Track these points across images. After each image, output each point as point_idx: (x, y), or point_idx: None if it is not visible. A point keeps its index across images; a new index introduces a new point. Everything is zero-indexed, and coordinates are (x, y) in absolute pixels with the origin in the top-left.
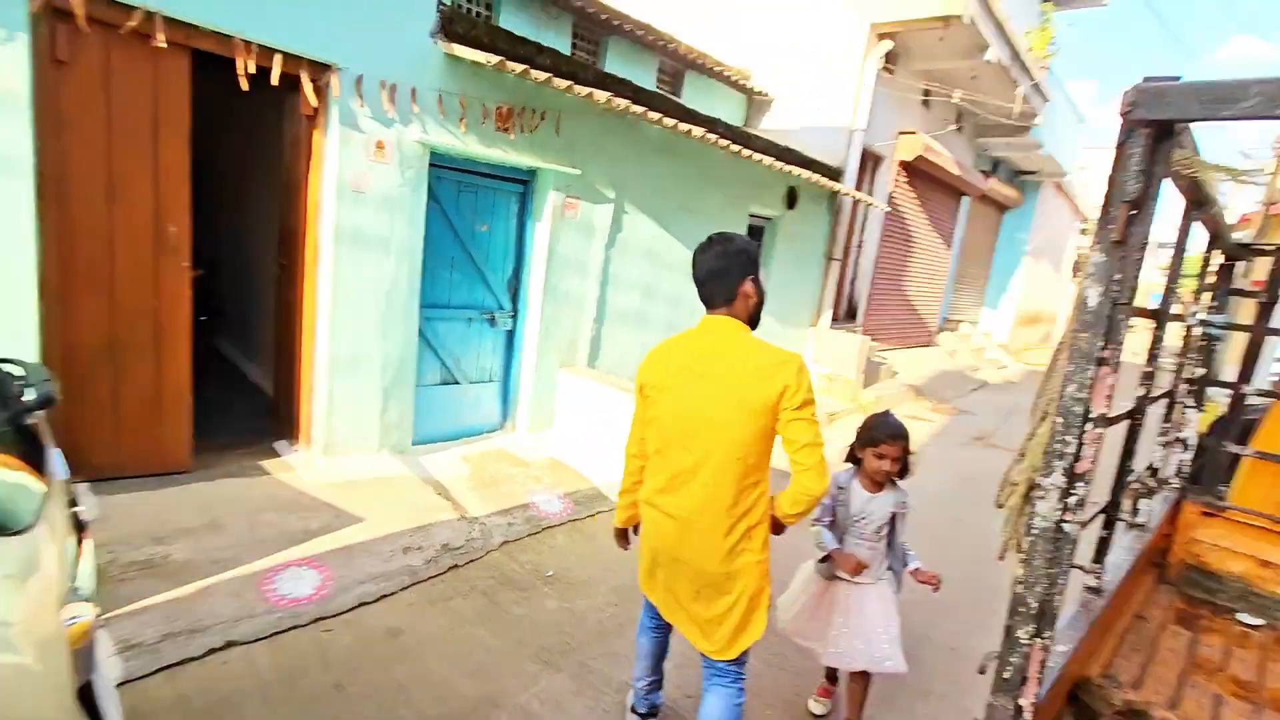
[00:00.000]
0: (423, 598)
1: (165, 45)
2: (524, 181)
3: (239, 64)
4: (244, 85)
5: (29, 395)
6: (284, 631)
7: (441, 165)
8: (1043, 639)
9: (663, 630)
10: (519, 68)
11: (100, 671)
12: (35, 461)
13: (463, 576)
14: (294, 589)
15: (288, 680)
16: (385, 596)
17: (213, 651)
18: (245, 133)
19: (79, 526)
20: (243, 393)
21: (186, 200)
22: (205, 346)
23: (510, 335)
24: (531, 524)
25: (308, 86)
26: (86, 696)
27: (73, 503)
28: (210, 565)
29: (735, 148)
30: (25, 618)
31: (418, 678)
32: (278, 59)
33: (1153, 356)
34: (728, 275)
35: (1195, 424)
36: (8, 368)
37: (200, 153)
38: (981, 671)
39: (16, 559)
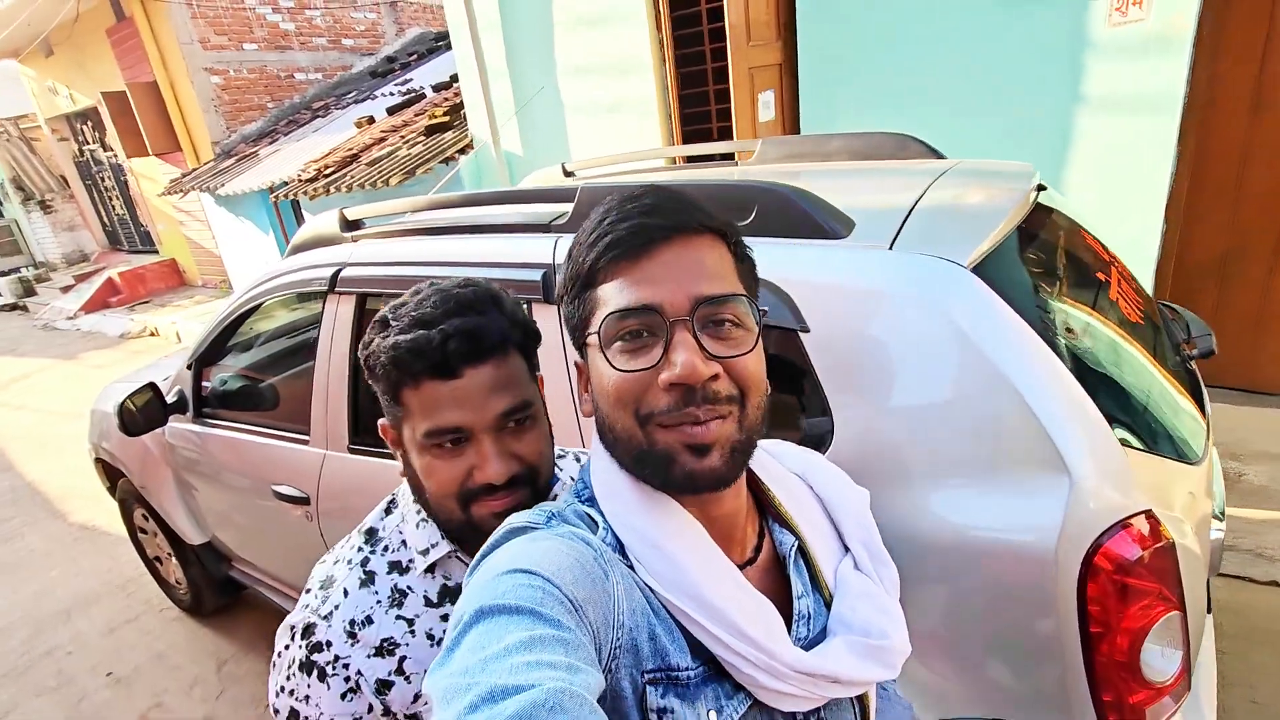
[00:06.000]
0: None
1: None
2: None
3: None
4: None
5: (1198, 344)
6: None
7: None
8: None
9: None
10: None
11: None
12: (1199, 400)
13: None
14: None
15: None
16: None
17: (1276, 584)
18: None
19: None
20: None
21: None
22: None
23: None
24: None
25: None
26: None
27: None
28: None
29: None
30: (1192, 527)
31: None
32: None
33: None
34: None
35: None
36: (1172, 312)
37: None
38: None
39: (1192, 485)
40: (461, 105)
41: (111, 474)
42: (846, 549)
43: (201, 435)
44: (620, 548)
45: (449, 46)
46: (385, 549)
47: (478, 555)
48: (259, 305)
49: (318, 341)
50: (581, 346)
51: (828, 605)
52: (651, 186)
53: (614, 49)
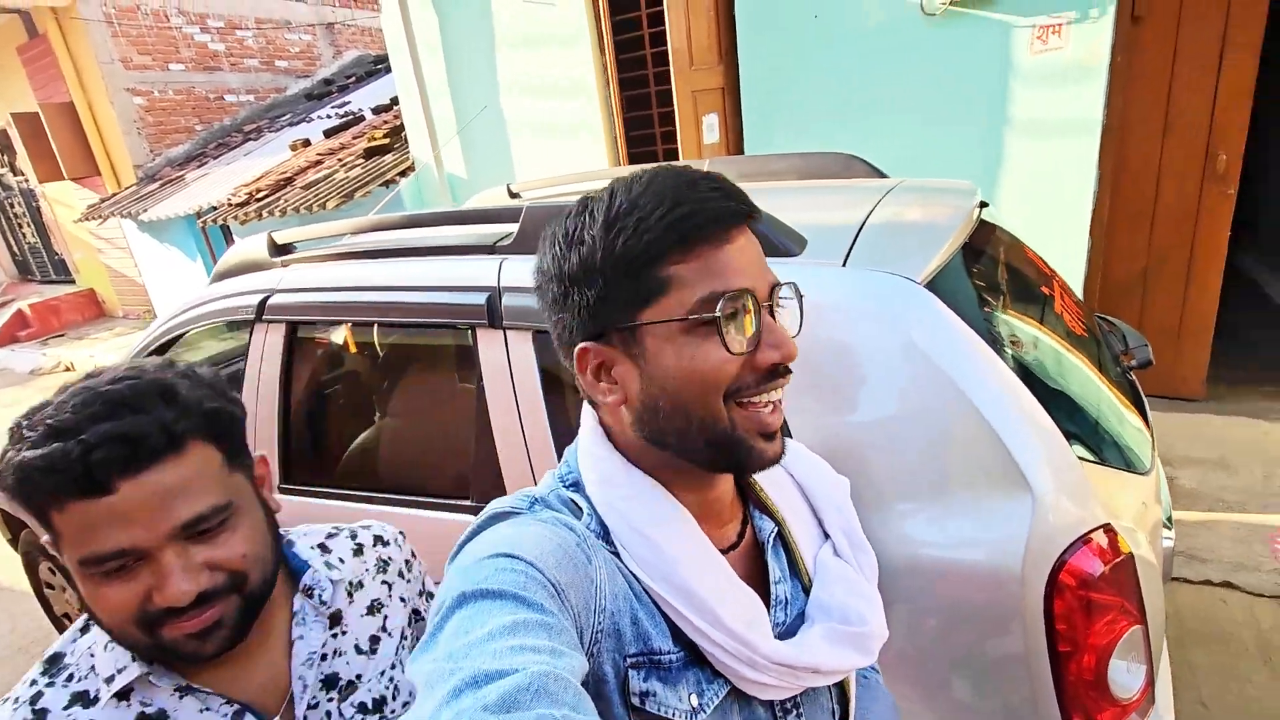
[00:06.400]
0: None
1: None
2: None
3: None
4: None
5: (1135, 355)
6: None
7: None
8: None
9: None
10: None
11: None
12: (1141, 410)
13: None
14: None
15: None
16: None
17: (1209, 584)
18: None
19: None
20: (1264, 319)
21: (1243, 123)
22: (1226, 265)
23: None
24: None
25: None
26: None
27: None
28: (1214, 501)
29: None
30: (1146, 537)
31: None
32: None
33: None
34: None
35: None
36: (1108, 324)
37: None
38: None
39: (1143, 495)
40: (402, 127)
41: (13, 525)
42: (827, 536)
43: None
44: (604, 534)
45: (389, 69)
46: (70, 678)
47: (459, 541)
48: (179, 336)
49: (244, 374)
50: (615, 329)
51: (807, 591)
52: (694, 169)
53: (557, 70)
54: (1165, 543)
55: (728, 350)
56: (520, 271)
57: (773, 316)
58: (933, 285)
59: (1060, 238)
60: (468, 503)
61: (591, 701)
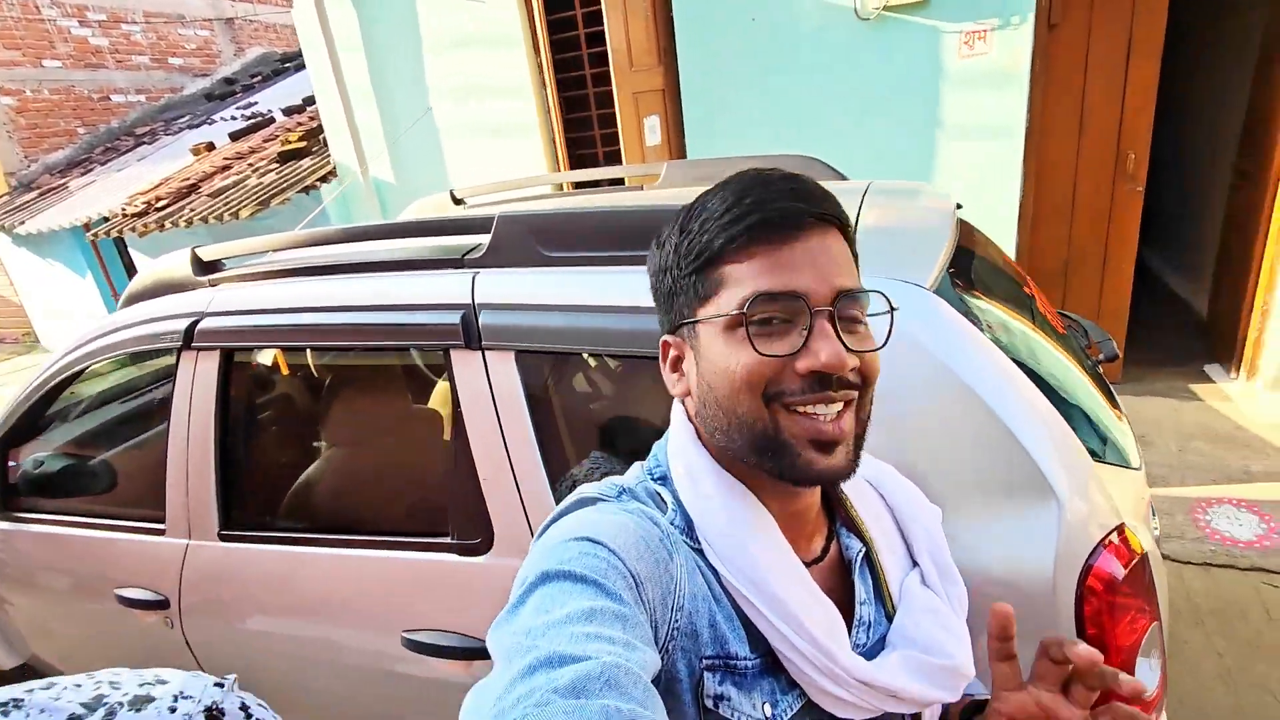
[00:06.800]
0: None
1: None
2: None
3: None
4: None
5: (1101, 349)
6: (1217, 566)
7: None
8: None
9: None
10: None
11: None
12: (1114, 404)
13: None
14: (1229, 528)
15: (1220, 612)
16: None
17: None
18: (1200, 37)
19: None
20: (1167, 308)
21: (1148, 124)
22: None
23: None
24: None
25: None
26: None
27: None
28: None
29: None
30: (1146, 531)
31: None
32: None
33: None
34: None
35: None
36: (1068, 320)
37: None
38: None
39: (1137, 489)
40: (319, 129)
41: None
42: (915, 563)
43: (9, 533)
44: (688, 530)
45: (299, 68)
46: None
47: (546, 520)
48: (85, 369)
49: (170, 408)
50: (683, 324)
51: (889, 617)
52: (779, 171)
53: (490, 71)
54: (1154, 532)
55: (756, 351)
56: (496, 286)
57: (832, 322)
58: (939, 291)
59: (992, 235)
60: (446, 540)
61: (660, 699)
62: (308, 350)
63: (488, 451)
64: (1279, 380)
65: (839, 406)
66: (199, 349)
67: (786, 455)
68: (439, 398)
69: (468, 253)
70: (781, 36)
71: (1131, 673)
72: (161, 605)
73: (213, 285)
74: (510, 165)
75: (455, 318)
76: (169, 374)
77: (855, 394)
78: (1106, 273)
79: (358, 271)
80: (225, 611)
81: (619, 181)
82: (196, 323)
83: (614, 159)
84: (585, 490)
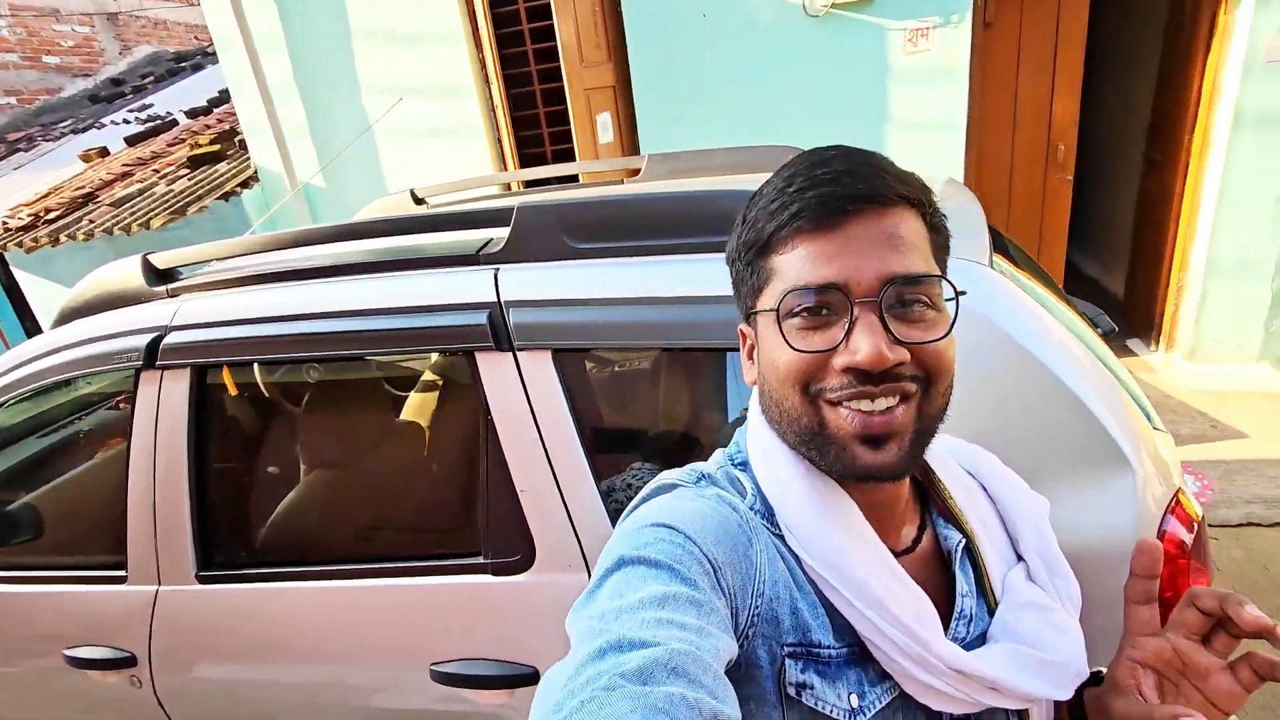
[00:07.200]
0: None
1: None
2: None
3: None
4: None
5: (1099, 324)
6: None
7: None
8: None
9: None
10: None
11: None
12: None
13: None
14: None
15: None
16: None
17: None
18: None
19: None
20: (1085, 291)
21: (1075, 116)
22: None
23: None
24: None
25: None
26: None
27: None
28: None
29: None
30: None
31: None
32: None
33: None
34: None
35: None
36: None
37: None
38: None
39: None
40: (233, 132)
41: None
42: (1019, 558)
43: None
44: (768, 515)
45: (195, 67)
46: None
47: (629, 507)
48: (10, 398)
49: (129, 437)
50: (749, 314)
51: (991, 613)
52: (841, 148)
53: (427, 69)
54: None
55: (788, 345)
56: (522, 282)
57: (879, 314)
58: (994, 268)
59: None
60: (478, 559)
61: (732, 687)
62: (302, 363)
63: (525, 461)
64: (1195, 351)
65: (890, 400)
66: (164, 368)
67: (831, 449)
68: (413, 408)
69: (482, 248)
70: (732, 32)
71: None
72: (126, 663)
73: (173, 295)
74: (453, 166)
75: (480, 318)
76: (103, 399)
77: (913, 387)
78: (1040, 260)
79: (357, 272)
80: (209, 664)
81: (574, 178)
82: (161, 338)
83: (564, 157)
84: (666, 476)
